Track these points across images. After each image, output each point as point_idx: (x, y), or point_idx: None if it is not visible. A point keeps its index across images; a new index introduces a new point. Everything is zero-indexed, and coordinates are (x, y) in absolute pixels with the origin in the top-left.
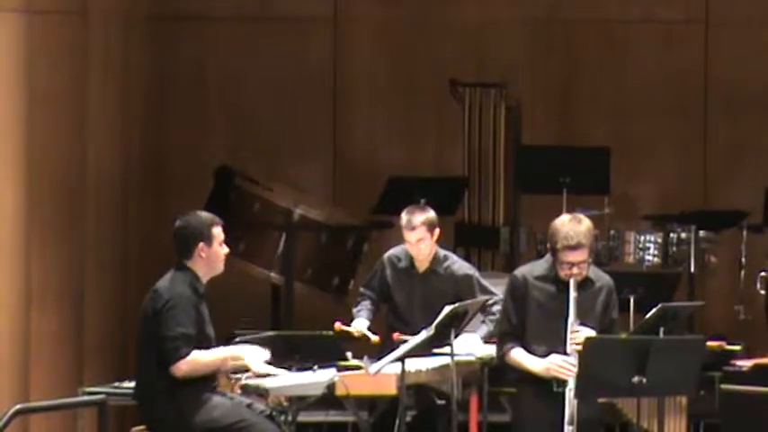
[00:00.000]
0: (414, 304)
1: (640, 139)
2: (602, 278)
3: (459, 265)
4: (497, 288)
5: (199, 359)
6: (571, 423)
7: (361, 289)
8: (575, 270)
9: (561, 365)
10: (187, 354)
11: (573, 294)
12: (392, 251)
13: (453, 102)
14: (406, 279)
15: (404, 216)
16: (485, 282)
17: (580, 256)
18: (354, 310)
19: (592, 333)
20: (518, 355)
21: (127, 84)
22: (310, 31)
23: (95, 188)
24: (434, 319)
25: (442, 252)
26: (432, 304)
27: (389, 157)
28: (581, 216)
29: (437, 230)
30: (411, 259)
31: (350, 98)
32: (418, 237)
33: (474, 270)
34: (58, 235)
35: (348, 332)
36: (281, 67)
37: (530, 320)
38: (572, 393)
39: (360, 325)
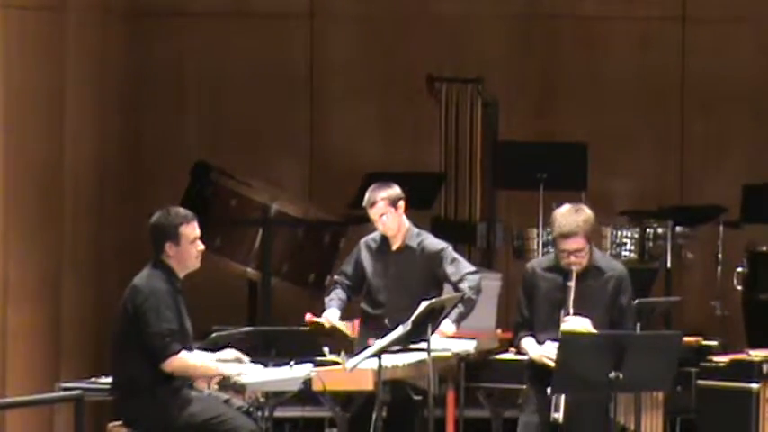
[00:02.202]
0: (388, 282)
1: (617, 135)
2: (613, 268)
3: (431, 241)
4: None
5: (191, 363)
6: (557, 411)
7: (335, 277)
8: (572, 259)
9: (549, 354)
10: (179, 350)
11: (570, 283)
12: (369, 236)
13: (430, 97)
14: (381, 257)
15: (366, 194)
16: (457, 255)
17: (574, 244)
18: (326, 300)
19: (582, 321)
20: (525, 344)
21: (104, 80)
22: (287, 27)
23: (72, 184)
24: (409, 298)
25: (416, 230)
26: (406, 281)
27: (366, 153)
28: (582, 207)
29: (401, 203)
30: (385, 239)
31: (326, 94)
32: (379, 212)
33: (449, 246)
34: (34, 231)
35: (319, 324)
36: (258, 63)
37: (536, 310)
38: None
39: (331, 315)
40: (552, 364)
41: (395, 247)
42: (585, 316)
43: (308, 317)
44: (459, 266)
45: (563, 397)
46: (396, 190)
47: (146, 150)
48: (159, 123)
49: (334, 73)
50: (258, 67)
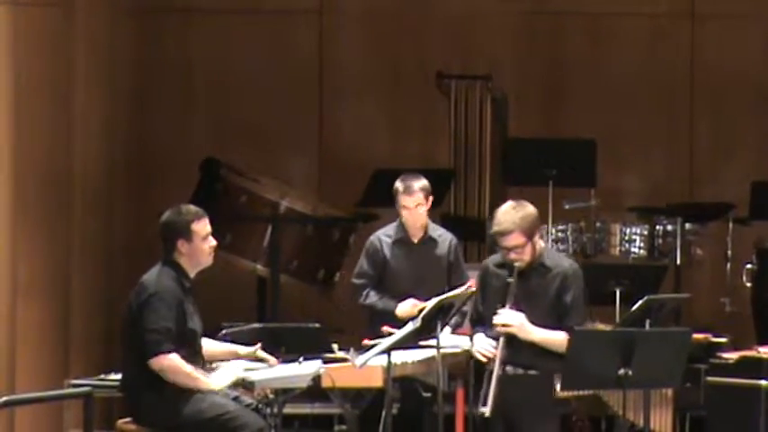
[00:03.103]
0: (413, 274)
1: (627, 131)
2: (559, 265)
3: (445, 231)
4: None
5: (181, 368)
6: (485, 404)
7: (357, 281)
8: (512, 255)
9: (480, 349)
10: (168, 350)
11: (510, 279)
12: (378, 232)
13: (439, 94)
14: (405, 250)
15: (400, 183)
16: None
17: (510, 241)
18: (376, 299)
19: (514, 316)
20: (474, 339)
21: (112, 76)
22: (296, 23)
23: (82, 180)
24: (434, 288)
25: (431, 222)
26: (430, 272)
27: (375, 150)
28: (524, 203)
29: (431, 198)
30: (404, 231)
31: (335, 90)
32: (417, 201)
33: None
34: (44, 227)
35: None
36: (267, 60)
37: (487, 306)
38: (494, 375)
39: (407, 305)
40: (480, 357)
41: (416, 239)
42: (528, 312)
43: (386, 329)
44: (463, 267)
45: (491, 391)
46: (427, 182)
47: (154, 147)
48: (168, 120)
49: (344, 70)
50: (267, 64)
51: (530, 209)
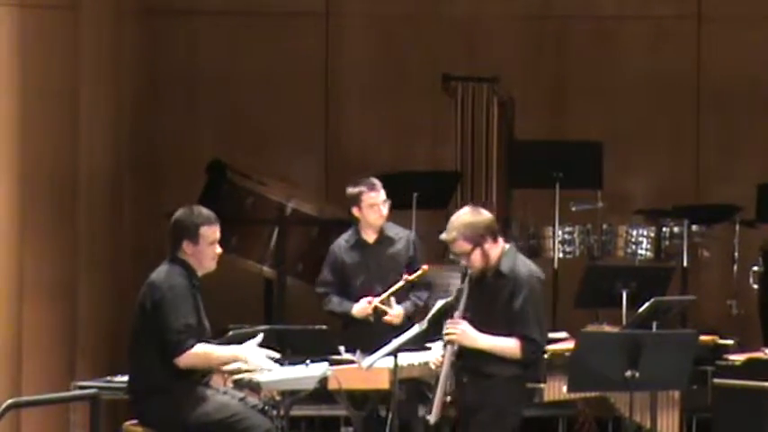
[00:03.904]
0: (372, 274)
1: (633, 133)
2: (514, 272)
3: (402, 230)
4: None
5: (210, 353)
6: (429, 413)
7: (319, 289)
8: (463, 261)
9: (434, 356)
10: (193, 345)
11: (462, 286)
12: (338, 239)
13: (445, 96)
14: (361, 252)
15: (360, 186)
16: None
17: (455, 248)
18: (335, 303)
19: (458, 323)
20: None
21: (118, 78)
22: (302, 26)
23: (88, 182)
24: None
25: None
26: (388, 270)
27: (382, 152)
28: (479, 210)
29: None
30: (359, 234)
31: (342, 93)
32: (383, 196)
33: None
34: (51, 229)
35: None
36: (273, 62)
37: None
38: (440, 382)
39: (361, 305)
40: (432, 365)
41: (372, 240)
42: (481, 319)
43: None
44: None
45: (437, 398)
46: None
47: (161, 149)
48: (174, 122)
49: (350, 72)
50: (273, 67)
51: (481, 217)
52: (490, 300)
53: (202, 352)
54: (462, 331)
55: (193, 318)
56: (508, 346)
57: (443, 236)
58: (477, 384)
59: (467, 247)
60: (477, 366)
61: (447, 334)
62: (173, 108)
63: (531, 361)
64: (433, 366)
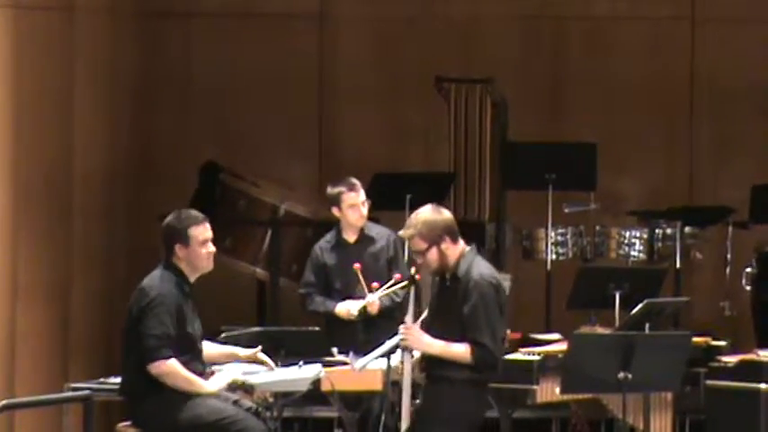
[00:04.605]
0: (353, 275)
1: (627, 135)
2: (468, 275)
3: (383, 229)
4: None
5: (179, 373)
6: (399, 419)
7: (302, 290)
8: (419, 260)
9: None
10: (167, 356)
11: (411, 292)
12: (318, 242)
13: (440, 98)
14: (342, 252)
15: (339, 187)
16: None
17: (412, 245)
18: (318, 303)
19: (410, 329)
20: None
21: (113, 79)
22: (296, 28)
23: (82, 185)
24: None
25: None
26: (368, 270)
27: (376, 153)
28: (440, 210)
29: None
30: (340, 234)
31: (336, 94)
32: (362, 197)
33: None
34: (44, 231)
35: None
36: (268, 64)
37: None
38: (404, 389)
39: (344, 306)
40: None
41: (353, 240)
42: (439, 324)
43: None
44: (402, 262)
45: (404, 406)
46: None
47: (155, 151)
48: (169, 124)
49: (344, 74)
50: (268, 69)
51: (440, 216)
52: (447, 303)
53: (173, 369)
54: (415, 337)
55: (172, 328)
56: (459, 351)
57: (401, 232)
58: (431, 388)
59: (423, 245)
60: (432, 370)
61: (401, 340)
62: (167, 110)
63: (485, 366)
64: (396, 374)
